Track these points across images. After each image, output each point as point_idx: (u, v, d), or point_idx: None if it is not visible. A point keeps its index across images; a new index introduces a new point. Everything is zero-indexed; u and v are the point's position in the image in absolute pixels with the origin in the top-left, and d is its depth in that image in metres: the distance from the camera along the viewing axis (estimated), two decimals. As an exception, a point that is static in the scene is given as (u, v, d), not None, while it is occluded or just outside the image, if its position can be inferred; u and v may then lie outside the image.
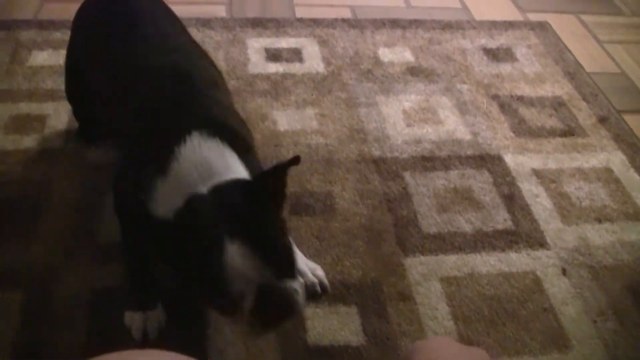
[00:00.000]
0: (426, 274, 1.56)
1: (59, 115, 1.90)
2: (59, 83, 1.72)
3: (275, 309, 1.07)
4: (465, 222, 1.70)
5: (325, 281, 1.50)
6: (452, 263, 1.59)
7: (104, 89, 1.41)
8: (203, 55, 1.50)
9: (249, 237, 1.04)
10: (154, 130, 1.23)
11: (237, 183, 1.12)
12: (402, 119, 2.02)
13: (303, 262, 1.50)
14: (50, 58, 2.12)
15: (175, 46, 1.43)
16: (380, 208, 1.71)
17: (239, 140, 1.22)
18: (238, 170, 1.15)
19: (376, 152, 1.88)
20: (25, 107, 1.92)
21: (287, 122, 1.96)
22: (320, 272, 1.51)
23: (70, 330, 1.38)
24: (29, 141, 1.81)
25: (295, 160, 1.10)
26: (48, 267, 1.49)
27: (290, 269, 1.10)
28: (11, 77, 2.03)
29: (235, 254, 1.02)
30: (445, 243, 1.64)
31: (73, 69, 1.66)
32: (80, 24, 1.60)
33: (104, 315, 1.41)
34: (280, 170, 1.12)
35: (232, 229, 1.04)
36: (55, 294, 1.44)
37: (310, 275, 1.48)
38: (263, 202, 1.10)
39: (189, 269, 1.07)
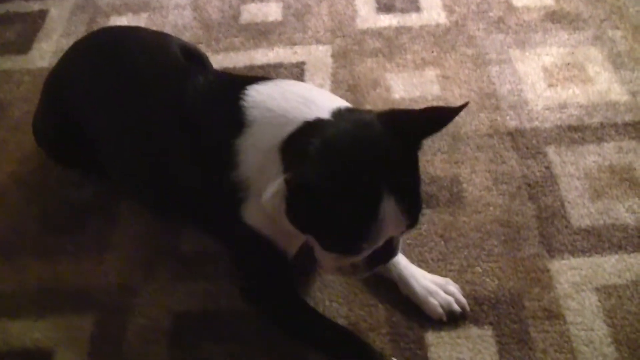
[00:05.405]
0: (578, 283, 1.27)
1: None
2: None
3: (385, 257, 1.11)
4: (625, 211, 1.39)
5: (462, 298, 1.25)
6: (610, 267, 1.30)
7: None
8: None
9: (402, 187, 1.01)
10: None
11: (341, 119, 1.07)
12: (543, 78, 1.71)
13: (429, 279, 1.26)
14: (129, 23, 1.99)
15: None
16: (518, 196, 1.43)
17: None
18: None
19: (512, 122, 1.59)
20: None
21: (403, 88, 1.71)
22: (452, 287, 1.26)
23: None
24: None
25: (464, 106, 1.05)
26: (123, 286, 1.32)
27: (417, 219, 1.07)
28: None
29: (390, 207, 1.00)
30: (602, 240, 1.34)
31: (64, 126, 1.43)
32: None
33: (184, 346, 1.22)
34: (448, 114, 1.05)
35: (387, 177, 1.00)
36: (130, 318, 1.27)
37: (442, 293, 1.24)
38: (409, 141, 1.05)
39: (331, 211, 1.00)
